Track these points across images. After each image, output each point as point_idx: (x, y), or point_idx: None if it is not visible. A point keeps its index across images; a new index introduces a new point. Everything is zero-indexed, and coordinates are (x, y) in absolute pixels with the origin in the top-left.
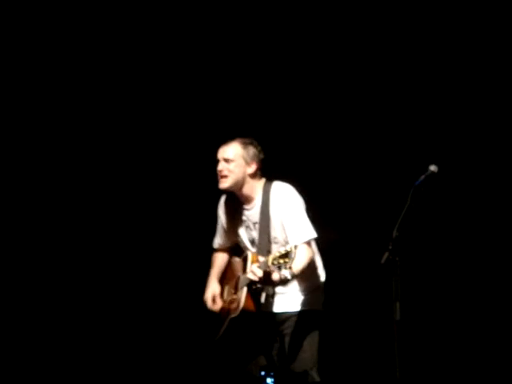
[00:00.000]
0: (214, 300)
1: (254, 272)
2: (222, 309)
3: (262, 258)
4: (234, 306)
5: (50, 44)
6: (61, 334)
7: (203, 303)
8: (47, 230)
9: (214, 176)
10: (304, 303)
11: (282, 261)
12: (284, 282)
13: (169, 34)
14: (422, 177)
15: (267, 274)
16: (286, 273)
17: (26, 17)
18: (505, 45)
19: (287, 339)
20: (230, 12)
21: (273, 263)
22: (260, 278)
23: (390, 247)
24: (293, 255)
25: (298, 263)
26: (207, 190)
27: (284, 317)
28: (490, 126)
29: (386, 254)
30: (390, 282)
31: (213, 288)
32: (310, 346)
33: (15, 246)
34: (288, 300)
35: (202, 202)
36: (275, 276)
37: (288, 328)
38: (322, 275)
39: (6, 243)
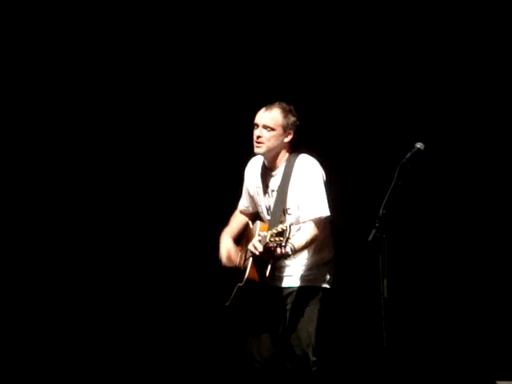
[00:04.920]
0: (229, 258)
1: (255, 246)
2: (235, 271)
3: (263, 233)
4: (242, 273)
5: (50, 44)
6: (61, 333)
7: (219, 261)
8: (47, 229)
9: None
10: (307, 279)
11: (277, 239)
12: (286, 256)
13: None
14: (409, 154)
15: (267, 249)
16: (287, 248)
17: (26, 17)
18: (491, 27)
19: (287, 315)
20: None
21: (270, 240)
22: (260, 253)
23: (377, 225)
24: (287, 234)
25: (301, 239)
26: (208, 190)
27: (287, 292)
28: (476, 103)
29: (373, 232)
30: (378, 259)
31: (226, 244)
32: (307, 323)
33: (16, 246)
34: (291, 275)
35: (202, 202)
36: (278, 251)
37: (289, 304)
38: (331, 253)
39: (6, 243)
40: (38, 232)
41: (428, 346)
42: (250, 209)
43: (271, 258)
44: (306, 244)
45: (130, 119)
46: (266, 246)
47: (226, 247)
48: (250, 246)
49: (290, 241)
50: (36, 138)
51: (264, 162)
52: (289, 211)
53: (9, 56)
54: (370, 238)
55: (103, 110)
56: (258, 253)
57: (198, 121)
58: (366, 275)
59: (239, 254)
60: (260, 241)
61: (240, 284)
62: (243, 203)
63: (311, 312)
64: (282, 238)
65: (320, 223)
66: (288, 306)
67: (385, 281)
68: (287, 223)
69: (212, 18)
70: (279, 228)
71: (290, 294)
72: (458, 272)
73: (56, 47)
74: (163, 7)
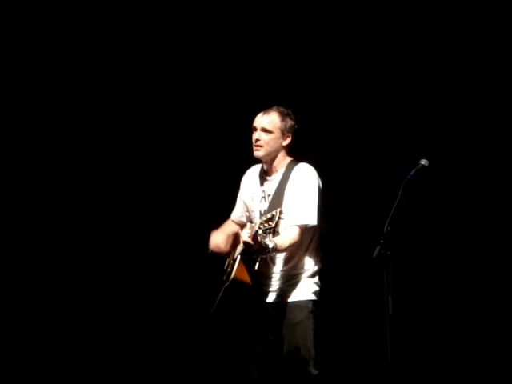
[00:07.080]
0: (217, 244)
1: (244, 238)
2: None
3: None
4: (229, 274)
5: (50, 44)
6: (61, 334)
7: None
8: (47, 229)
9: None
10: (294, 293)
11: (267, 224)
12: (265, 250)
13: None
14: (413, 171)
15: (255, 240)
16: (268, 242)
17: (26, 17)
18: (494, 39)
19: (280, 331)
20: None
21: (259, 227)
22: (248, 243)
23: (382, 241)
24: (276, 218)
25: (284, 240)
26: (205, 197)
27: (275, 307)
28: (480, 120)
29: (378, 248)
30: (382, 275)
31: (216, 238)
32: (304, 337)
33: (15, 246)
34: (278, 289)
35: (201, 204)
36: (261, 240)
37: (279, 320)
38: (318, 265)
39: (6, 243)
40: (36, 232)
41: (433, 364)
42: (243, 218)
43: (258, 249)
44: (287, 246)
45: (129, 125)
46: (255, 235)
47: (216, 237)
48: (243, 235)
49: (272, 238)
50: (36, 138)
51: (262, 167)
52: (282, 215)
53: (9, 56)
54: (374, 254)
55: (102, 113)
56: (247, 241)
57: (197, 127)
58: (371, 292)
59: (229, 253)
60: (248, 233)
61: (227, 284)
62: (236, 213)
63: (306, 326)
64: (271, 223)
65: (304, 231)
66: (279, 323)
67: (389, 297)
68: (277, 210)
69: (210, 22)
70: (269, 215)
71: (279, 309)
72: (464, 288)
73: (56, 47)
74: (163, 9)
